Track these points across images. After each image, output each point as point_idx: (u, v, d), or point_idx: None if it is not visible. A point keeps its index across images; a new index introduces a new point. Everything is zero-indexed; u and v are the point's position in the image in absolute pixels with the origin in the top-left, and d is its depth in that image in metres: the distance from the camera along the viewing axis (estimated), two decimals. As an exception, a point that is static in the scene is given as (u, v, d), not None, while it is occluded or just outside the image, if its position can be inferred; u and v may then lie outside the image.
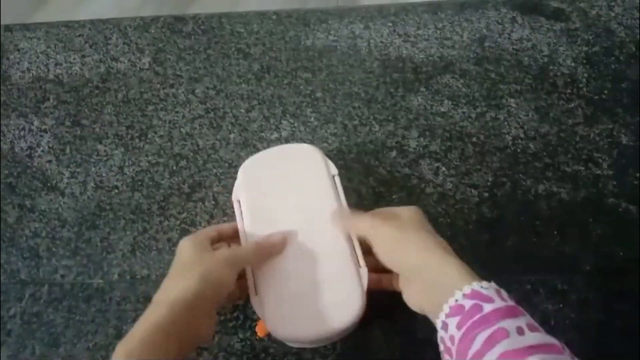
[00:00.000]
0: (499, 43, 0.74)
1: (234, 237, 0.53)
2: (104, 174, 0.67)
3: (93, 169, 0.68)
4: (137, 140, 0.70)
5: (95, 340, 0.56)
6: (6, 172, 0.69)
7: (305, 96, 0.71)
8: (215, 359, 0.54)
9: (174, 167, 0.67)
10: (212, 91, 0.73)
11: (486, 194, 0.62)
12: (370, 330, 0.54)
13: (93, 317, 0.57)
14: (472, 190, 0.62)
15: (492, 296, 0.39)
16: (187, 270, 0.46)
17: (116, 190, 0.66)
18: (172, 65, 0.76)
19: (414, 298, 0.46)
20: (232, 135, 0.69)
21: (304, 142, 0.67)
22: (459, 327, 0.39)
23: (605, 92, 0.69)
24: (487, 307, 0.38)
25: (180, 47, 0.78)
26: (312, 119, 0.69)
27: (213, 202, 0.63)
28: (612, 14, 0.75)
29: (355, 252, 0.51)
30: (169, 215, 0.63)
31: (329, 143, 0.67)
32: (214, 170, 0.66)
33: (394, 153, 0.66)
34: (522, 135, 0.66)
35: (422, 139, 0.66)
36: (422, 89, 0.71)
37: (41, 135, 0.71)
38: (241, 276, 0.50)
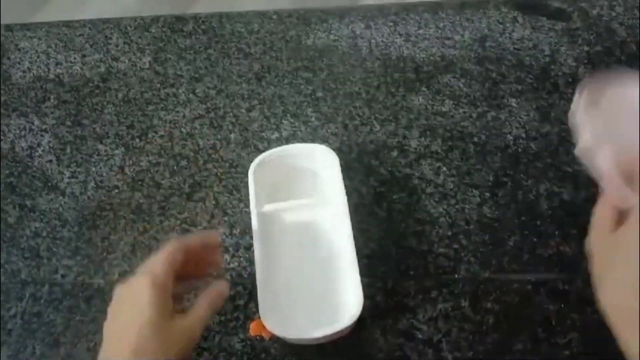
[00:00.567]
0: (500, 43, 0.74)
1: (203, 249, 0.48)
2: (104, 174, 0.67)
3: (93, 168, 0.68)
4: (137, 140, 0.70)
5: (95, 340, 0.56)
6: (7, 171, 0.68)
7: (306, 96, 0.71)
8: (216, 359, 0.54)
9: (175, 167, 0.67)
10: (213, 91, 0.73)
11: (487, 194, 0.62)
12: (370, 330, 0.54)
13: (93, 317, 0.57)
14: (473, 190, 0.62)
15: None
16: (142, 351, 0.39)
17: (117, 190, 0.66)
18: (173, 64, 0.76)
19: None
20: (232, 135, 0.69)
21: (305, 142, 0.67)
22: None
23: (607, 91, 0.68)
24: None
25: (181, 46, 0.78)
26: (313, 119, 0.69)
27: (213, 202, 0.63)
28: (614, 14, 0.75)
29: None
30: (170, 215, 0.63)
31: (330, 143, 0.67)
32: (215, 170, 0.66)
33: (394, 153, 0.65)
34: (523, 135, 0.66)
35: (423, 138, 0.66)
36: (423, 88, 0.71)
37: (42, 135, 0.71)
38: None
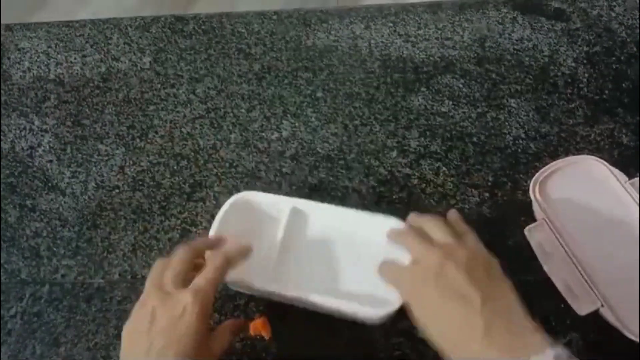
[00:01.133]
0: (499, 43, 0.74)
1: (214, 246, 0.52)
2: (104, 174, 0.67)
3: (94, 168, 0.68)
4: (138, 140, 0.70)
5: (95, 340, 0.56)
6: (7, 171, 0.69)
7: (306, 96, 0.71)
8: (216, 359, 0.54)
9: (175, 167, 0.67)
10: (213, 91, 0.73)
11: (487, 194, 0.62)
12: (371, 330, 0.54)
13: (94, 316, 0.57)
14: (473, 190, 0.62)
15: None
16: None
17: (117, 190, 0.66)
18: (173, 65, 0.76)
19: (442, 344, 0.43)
20: (232, 135, 0.69)
21: (304, 142, 0.67)
22: None
23: (606, 92, 0.69)
24: None
25: (181, 47, 0.78)
26: (313, 119, 0.69)
27: (214, 202, 0.63)
28: (613, 14, 0.75)
29: None
30: (170, 215, 0.63)
31: (330, 143, 0.67)
32: (215, 170, 0.66)
33: (394, 153, 0.66)
34: (522, 136, 0.66)
35: (422, 139, 0.66)
36: (423, 89, 0.71)
37: (42, 135, 0.71)
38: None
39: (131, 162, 0.68)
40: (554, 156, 0.63)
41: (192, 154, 0.68)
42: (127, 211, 0.64)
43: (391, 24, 0.77)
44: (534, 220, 0.58)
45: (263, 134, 0.69)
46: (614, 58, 0.72)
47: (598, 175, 0.59)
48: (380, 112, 0.69)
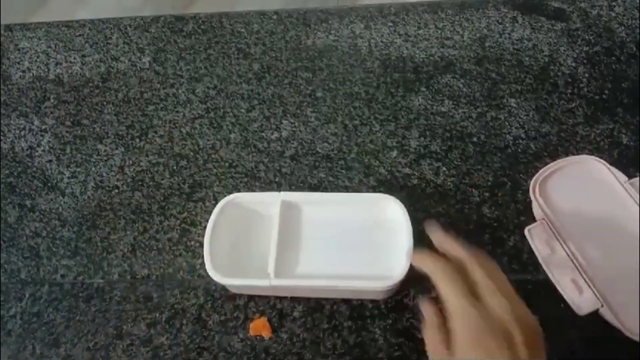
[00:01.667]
0: (499, 43, 0.74)
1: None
2: (104, 174, 0.67)
3: (93, 168, 0.68)
4: (137, 140, 0.70)
5: (95, 340, 0.56)
6: (6, 171, 0.69)
7: (306, 96, 0.71)
8: (216, 359, 0.54)
9: (174, 167, 0.67)
10: (213, 91, 0.73)
11: (487, 194, 0.62)
12: (371, 330, 0.54)
13: (93, 316, 0.57)
14: (473, 190, 0.62)
15: None
16: None
17: (116, 190, 0.66)
18: (173, 64, 0.76)
19: None
20: (232, 135, 0.69)
21: (304, 142, 0.67)
22: None
23: (606, 92, 0.68)
24: None
25: (181, 46, 0.78)
26: (313, 119, 0.69)
27: (213, 202, 0.63)
28: (613, 14, 0.75)
29: None
30: (170, 215, 0.63)
31: (330, 143, 0.67)
32: (215, 170, 0.66)
33: (394, 153, 0.65)
34: (522, 135, 0.66)
35: (422, 138, 0.66)
36: (423, 88, 0.71)
37: (41, 135, 0.71)
38: None
39: (130, 162, 0.68)
40: (554, 156, 0.63)
41: (192, 153, 0.68)
42: (126, 211, 0.64)
43: (391, 24, 0.77)
44: (533, 220, 0.58)
45: (263, 133, 0.68)
46: (614, 58, 0.71)
47: (598, 176, 0.59)
48: (380, 111, 0.69)
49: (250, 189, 0.64)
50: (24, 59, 0.79)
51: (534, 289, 0.55)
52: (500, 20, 0.76)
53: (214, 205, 0.58)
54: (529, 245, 0.56)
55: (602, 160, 0.60)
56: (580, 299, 0.52)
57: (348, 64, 0.74)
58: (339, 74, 0.73)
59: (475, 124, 0.67)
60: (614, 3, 0.76)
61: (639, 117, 0.66)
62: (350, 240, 0.56)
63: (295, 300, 0.56)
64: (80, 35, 0.81)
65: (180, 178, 0.66)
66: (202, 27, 0.80)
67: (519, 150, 0.65)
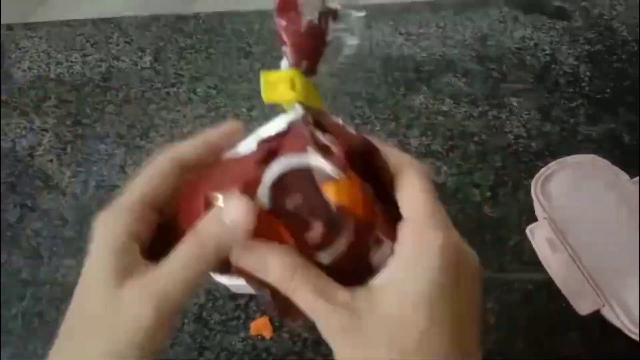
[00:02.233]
0: (500, 42, 0.74)
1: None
2: (105, 173, 0.67)
3: (94, 168, 0.68)
4: (138, 139, 0.70)
5: (96, 340, 0.56)
6: (7, 171, 0.68)
7: (307, 95, 0.71)
8: (217, 359, 0.54)
9: (175, 167, 0.67)
10: (214, 90, 0.73)
11: (488, 193, 0.62)
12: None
13: (94, 316, 0.57)
14: (474, 189, 0.62)
15: None
16: (90, 340, 0.28)
17: (118, 190, 0.66)
18: (174, 64, 0.76)
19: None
20: (233, 135, 0.69)
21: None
22: None
23: (608, 90, 0.68)
24: None
25: (182, 46, 0.78)
26: (314, 118, 0.69)
27: (214, 202, 0.63)
28: (614, 13, 0.75)
29: None
30: (170, 214, 0.63)
31: (331, 142, 0.67)
32: (215, 170, 0.66)
33: (395, 152, 0.65)
34: (524, 134, 0.66)
35: (423, 138, 0.66)
36: (424, 87, 0.70)
37: (42, 134, 0.71)
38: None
39: (132, 162, 0.68)
40: (556, 155, 0.63)
41: (193, 153, 0.68)
42: (127, 211, 0.64)
43: (392, 23, 0.77)
44: (535, 219, 0.58)
45: (264, 133, 0.68)
46: (615, 57, 0.71)
47: (600, 175, 0.59)
48: (381, 111, 0.69)
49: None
50: (24, 58, 0.79)
51: (536, 289, 0.55)
52: (501, 19, 0.76)
53: (215, 204, 0.57)
54: (531, 245, 0.56)
55: (604, 159, 0.60)
56: (582, 299, 0.52)
57: (349, 63, 0.74)
58: (340, 73, 0.73)
59: (477, 122, 0.67)
60: (615, 2, 0.76)
61: (641, 116, 0.66)
62: None
63: (296, 299, 0.56)
64: (81, 34, 0.81)
65: (181, 177, 0.66)
66: (203, 26, 0.80)
67: (521, 149, 0.65)
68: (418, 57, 0.73)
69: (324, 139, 0.28)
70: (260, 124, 0.69)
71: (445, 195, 0.62)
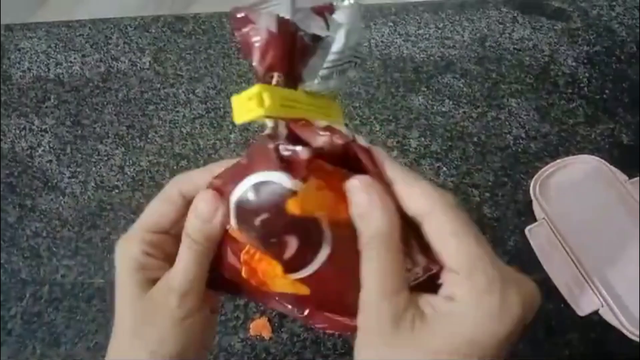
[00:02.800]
0: (500, 43, 0.74)
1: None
2: (104, 174, 0.67)
3: (94, 168, 0.68)
4: (137, 140, 0.70)
5: (95, 340, 0.56)
6: (7, 171, 0.68)
7: (306, 96, 0.71)
8: (216, 359, 0.54)
9: (175, 167, 0.67)
10: (213, 91, 0.73)
11: (487, 194, 0.62)
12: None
13: (94, 316, 0.57)
14: (473, 190, 0.62)
15: None
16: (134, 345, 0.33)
17: (117, 190, 0.66)
18: (173, 64, 0.76)
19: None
20: (232, 135, 0.69)
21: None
22: None
23: (607, 92, 0.68)
24: None
25: (181, 46, 0.78)
26: (313, 119, 0.69)
27: (214, 202, 0.63)
28: (613, 14, 0.75)
29: None
30: (170, 215, 0.63)
31: (330, 143, 0.67)
32: (215, 170, 0.66)
33: (394, 153, 0.65)
34: (523, 135, 0.66)
35: (423, 138, 0.66)
36: (423, 88, 0.71)
37: (42, 135, 0.71)
38: None
39: (131, 162, 0.68)
40: (555, 156, 0.63)
41: (192, 153, 0.68)
42: (126, 211, 0.64)
43: (391, 24, 0.77)
44: (534, 220, 0.58)
45: (263, 133, 0.68)
46: (614, 58, 0.71)
47: (598, 175, 0.59)
48: (380, 111, 0.69)
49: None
50: (24, 59, 0.79)
51: (535, 289, 0.55)
52: (500, 20, 0.76)
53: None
54: (529, 245, 0.56)
55: (602, 160, 0.60)
56: (581, 299, 0.52)
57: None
58: (339, 73, 0.73)
59: (476, 123, 0.67)
60: (614, 3, 0.76)
61: (639, 117, 0.66)
62: None
63: (295, 300, 0.56)
64: (80, 35, 0.81)
65: (181, 178, 0.66)
66: (203, 27, 0.80)
67: (520, 150, 0.65)
68: (417, 57, 0.74)
69: (289, 150, 0.27)
70: (259, 125, 0.69)
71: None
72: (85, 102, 0.74)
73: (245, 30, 0.28)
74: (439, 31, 0.76)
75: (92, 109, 0.73)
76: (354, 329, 0.28)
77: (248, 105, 0.27)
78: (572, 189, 0.59)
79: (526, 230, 0.57)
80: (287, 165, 0.27)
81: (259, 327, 0.55)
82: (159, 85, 0.74)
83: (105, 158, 0.68)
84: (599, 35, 0.74)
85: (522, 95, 0.69)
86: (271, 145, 0.28)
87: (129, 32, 0.81)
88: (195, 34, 0.80)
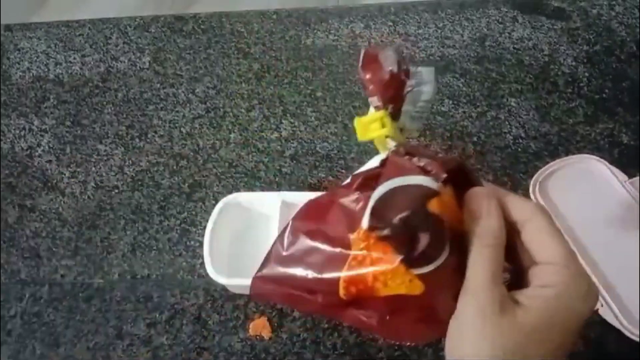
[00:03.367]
0: (499, 42, 0.74)
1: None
2: (104, 174, 0.67)
3: (93, 168, 0.68)
4: (137, 140, 0.70)
5: (95, 340, 0.56)
6: (6, 171, 0.68)
7: (306, 95, 0.71)
8: (216, 359, 0.54)
9: (174, 167, 0.67)
10: (212, 91, 0.73)
11: (487, 194, 0.62)
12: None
13: (93, 316, 0.57)
14: (473, 189, 0.62)
15: None
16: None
17: (116, 190, 0.66)
18: (172, 64, 0.76)
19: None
20: (232, 135, 0.69)
21: (304, 141, 0.67)
22: None
23: (606, 91, 0.68)
24: None
25: (181, 46, 0.78)
26: (313, 119, 0.69)
27: (213, 202, 0.63)
28: (613, 13, 0.75)
29: None
30: (169, 215, 0.63)
31: (330, 142, 0.67)
32: (214, 170, 0.66)
33: (394, 152, 0.65)
34: (522, 135, 0.66)
35: (422, 138, 0.66)
36: (423, 88, 0.70)
37: (41, 135, 0.71)
38: None
39: (130, 162, 0.68)
40: (554, 155, 0.63)
41: (192, 153, 0.68)
42: (126, 211, 0.64)
43: (391, 23, 0.77)
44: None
45: (262, 133, 0.68)
46: (614, 57, 0.71)
47: (598, 175, 0.59)
48: (380, 111, 0.69)
49: (250, 188, 0.64)
50: (23, 59, 0.79)
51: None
52: (500, 20, 0.76)
53: (214, 205, 0.58)
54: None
55: (602, 160, 0.60)
56: None
57: (348, 64, 0.74)
58: (339, 73, 0.73)
59: (475, 123, 0.67)
60: (614, 2, 0.76)
61: (639, 116, 0.66)
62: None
63: (295, 300, 0.56)
64: (80, 35, 0.81)
65: (180, 178, 0.66)
66: (202, 26, 0.80)
67: (519, 149, 0.65)
68: (417, 57, 0.74)
69: (419, 161, 0.32)
70: (259, 124, 0.69)
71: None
72: (84, 102, 0.74)
73: (372, 68, 0.35)
74: (439, 31, 0.76)
75: (91, 109, 0.73)
76: (429, 337, 0.35)
77: (371, 127, 0.35)
78: (571, 189, 0.59)
79: None
80: (424, 171, 0.31)
81: (259, 327, 0.55)
82: (158, 85, 0.74)
83: (105, 158, 0.68)
84: (598, 34, 0.74)
85: (521, 95, 0.69)
86: (405, 157, 0.32)
87: (129, 32, 0.81)
88: (194, 33, 0.80)
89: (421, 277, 0.30)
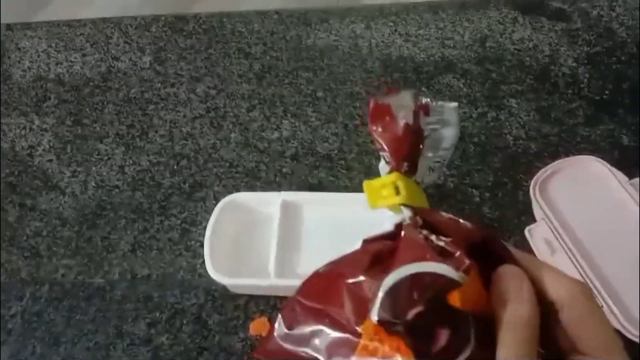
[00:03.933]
0: (500, 43, 0.74)
1: None
2: (104, 173, 0.67)
3: (94, 168, 0.68)
4: (137, 139, 0.70)
5: (95, 340, 0.56)
6: (7, 171, 0.69)
7: (306, 96, 0.71)
8: (216, 359, 0.54)
9: (175, 167, 0.67)
10: (213, 90, 0.73)
11: (487, 194, 0.62)
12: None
13: (94, 316, 0.57)
14: (473, 190, 0.62)
15: None
16: None
17: (117, 190, 0.66)
18: (173, 64, 0.76)
19: None
20: (232, 135, 0.69)
21: (304, 141, 0.67)
22: None
23: (607, 92, 0.68)
24: None
25: (181, 46, 0.78)
26: (313, 119, 0.69)
27: (214, 202, 0.63)
28: (614, 14, 0.75)
29: None
30: (170, 214, 0.63)
31: (330, 143, 0.67)
32: (215, 170, 0.66)
33: (394, 153, 0.65)
34: (523, 136, 0.66)
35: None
36: (423, 88, 0.71)
37: (42, 134, 0.71)
38: None
39: (131, 162, 0.68)
40: (555, 156, 0.63)
41: (192, 153, 0.68)
42: (126, 211, 0.64)
43: (392, 24, 0.77)
44: (534, 220, 0.58)
45: (263, 133, 0.68)
46: (614, 58, 0.71)
47: (598, 176, 0.59)
48: (380, 112, 0.69)
49: (250, 188, 0.64)
50: (24, 58, 0.79)
51: (534, 290, 0.55)
52: (501, 21, 0.76)
53: (215, 204, 0.58)
54: (530, 246, 0.56)
55: (602, 161, 0.60)
56: None
57: (349, 64, 0.74)
58: (340, 73, 0.73)
59: (476, 124, 0.67)
60: (614, 3, 0.76)
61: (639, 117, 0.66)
62: (351, 240, 0.56)
63: (295, 300, 0.56)
64: (81, 34, 0.81)
65: (181, 178, 0.66)
66: (203, 26, 0.80)
67: (520, 150, 0.65)
68: (417, 58, 0.74)
69: (437, 240, 0.27)
70: (260, 124, 0.69)
71: (444, 196, 0.62)
72: (85, 101, 0.74)
73: (383, 121, 0.30)
74: (440, 31, 0.76)
75: (92, 109, 0.73)
76: None
77: (382, 192, 0.30)
78: (572, 190, 0.59)
79: (526, 230, 0.57)
80: (444, 256, 0.26)
81: (259, 327, 0.55)
82: (159, 85, 0.74)
83: (106, 157, 0.68)
84: (599, 35, 0.74)
85: (522, 96, 0.69)
86: (421, 236, 0.28)
87: (130, 32, 0.81)
88: (195, 33, 0.80)
89: None
